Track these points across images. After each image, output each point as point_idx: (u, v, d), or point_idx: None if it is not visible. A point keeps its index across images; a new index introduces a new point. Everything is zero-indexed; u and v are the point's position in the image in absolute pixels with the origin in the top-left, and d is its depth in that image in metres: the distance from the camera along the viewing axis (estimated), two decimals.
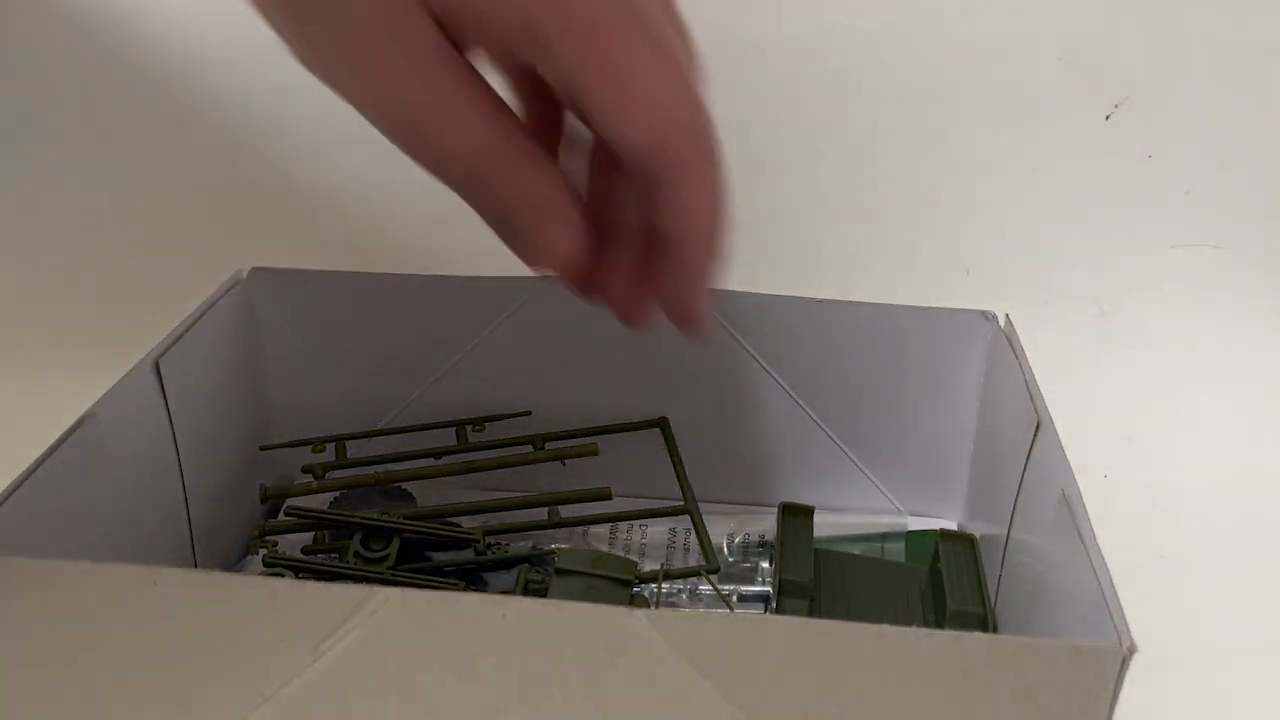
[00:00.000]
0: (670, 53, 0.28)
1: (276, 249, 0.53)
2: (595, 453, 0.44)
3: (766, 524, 0.46)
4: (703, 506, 0.44)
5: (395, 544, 0.39)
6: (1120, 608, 0.27)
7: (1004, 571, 0.41)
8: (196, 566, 0.42)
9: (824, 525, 0.45)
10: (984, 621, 0.37)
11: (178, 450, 0.41)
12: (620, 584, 0.37)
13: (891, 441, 0.48)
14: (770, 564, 0.44)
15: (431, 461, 0.45)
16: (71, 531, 0.35)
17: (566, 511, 0.43)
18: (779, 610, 0.39)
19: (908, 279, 0.63)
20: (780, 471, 0.48)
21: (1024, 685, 0.26)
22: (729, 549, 0.46)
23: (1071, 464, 0.34)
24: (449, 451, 0.45)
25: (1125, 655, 0.26)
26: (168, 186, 0.66)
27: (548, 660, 0.27)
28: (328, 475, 0.44)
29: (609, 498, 0.42)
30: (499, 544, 0.41)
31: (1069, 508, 0.33)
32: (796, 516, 0.43)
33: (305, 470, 0.45)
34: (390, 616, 0.28)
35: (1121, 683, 0.26)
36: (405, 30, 0.27)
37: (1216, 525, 0.52)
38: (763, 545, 0.46)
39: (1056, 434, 0.36)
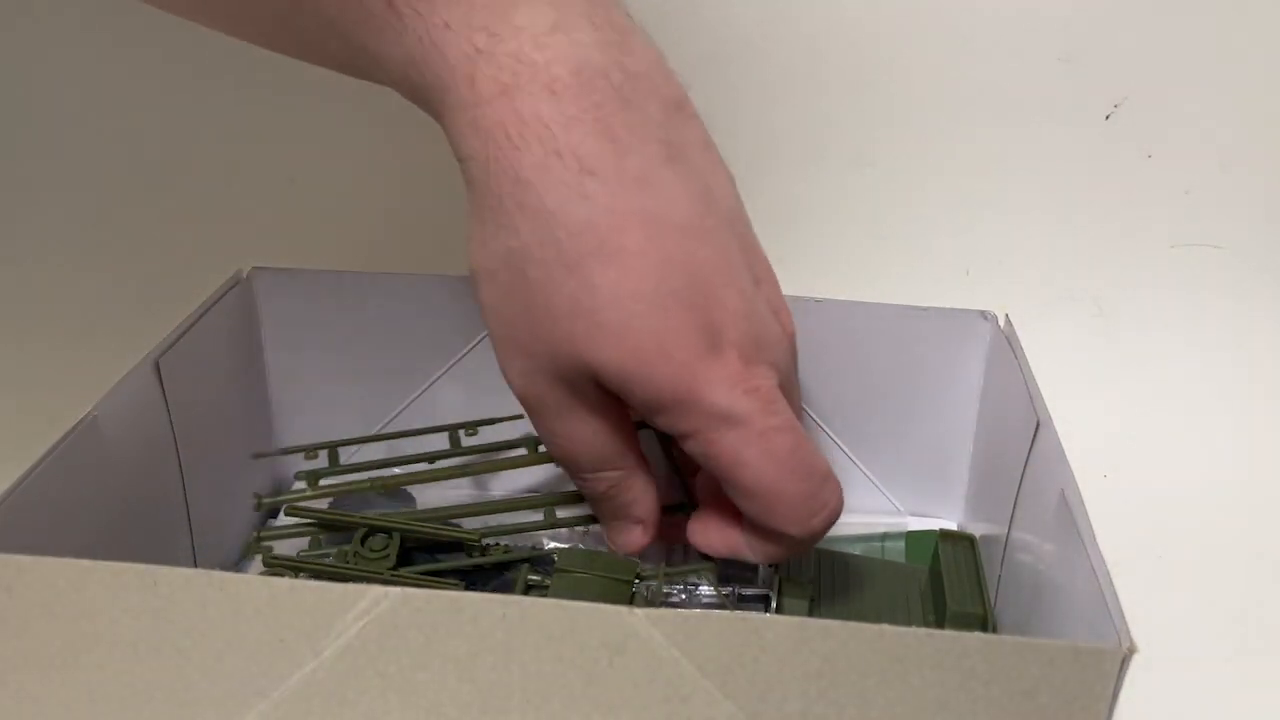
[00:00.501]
0: (793, 440, 0.33)
1: (276, 249, 0.53)
2: None
3: None
4: None
5: (395, 541, 0.39)
6: (1120, 608, 0.27)
7: (1004, 571, 0.41)
8: (196, 566, 0.42)
9: None
10: (984, 621, 0.37)
11: (178, 450, 0.41)
12: (620, 584, 0.37)
13: (891, 441, 0.48)
14: (770, 564, 0.44)
15: (426, 466, 0.45)
16: (71, 531, 0.35)
17: (565, 512, 0.43)
18: (779, 610, 0.39)
19: (908, 279, 0.63)
20: None
21: (1024, 685, 0.26)
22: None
23: (1071, 464, 0.34)
24: (443, 455, 0.45)
25: (1125, 655, 0.26)
26: (168, 186, 0.66)
27: (548, 660, 0.27)
28: (321, 482, 0.44)
29: None
30: (498, 545, 0.41)
31: (1069, 508, 0.33)
32: None
33: (299, 477, 0.45)
34: (390, 616, 0.28)
35: (1121, 683, 0.26)
36: (574, 385, 0.33)
37: (1216, 525, 0.52)
38: None
39: (1056, 434, 0.36)
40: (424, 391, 0.48)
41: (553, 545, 0.44)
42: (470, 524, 0.42)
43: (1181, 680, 0.41)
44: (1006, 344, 0.43)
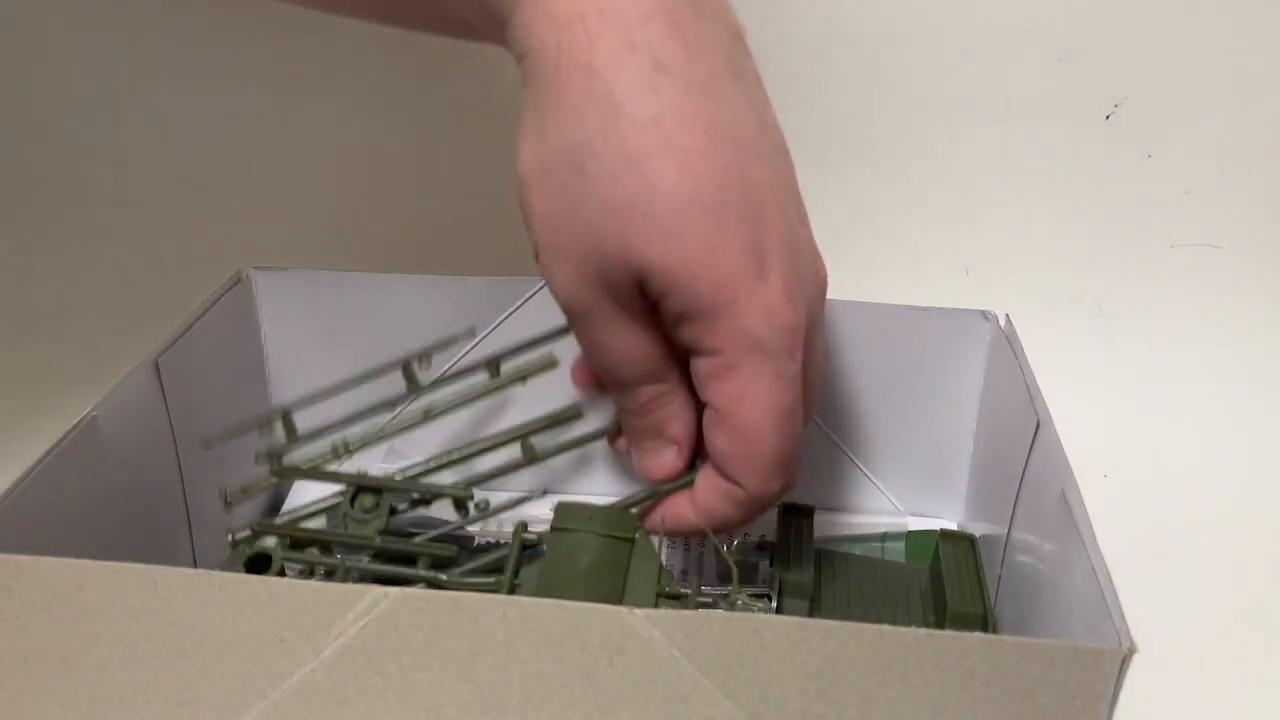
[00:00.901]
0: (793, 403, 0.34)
1: (276, 249, 0.53)
2: (555, 364, 0.41)
3: (766, 524, 0.46)
4: None
5: (385, 501, 0.39)
6: (1120, 608, 0.27)
7: (1004, 571, 0.41)
8: (196, 566, 0.42)
9: (824, 525, 0.45)
10: (984, 621, 0.37)
11: (177, 450, 0.41)
12: (621, 541, 0.36)
13: (891, 441, 0.48)
14: (770, 564, 0.44)
15: (388, 415, 0.42)
16: (71, 531, 0.35)
17: (542, 441, 0.41)
18: (779, 610, 0.38)
19: (908, 279, 0.63)
20: None
21: (1024, 685, 0.26)
22: (729, 549, 0.46)
23: (1071, 464, 0.34)
24: (401, 400, 0.42)
25: (1125, 655, 0.26)
26: (168, 186, 0.66)
27: (548, 660, 0.27)
28: (285, 458, 0.41)
29: (579, 416, 0.41)
30: (486, 503, 0.40)
31: (1069, 508, 0.33)
32: (796, 516, 0.43)
33: (258, 460, 0.42)
34: (390, 616, 0.28)
35: (1121, 683, 0.26)
36: (618, 292, 0.33)
37: (1216, 525, 0.52)
38: (763, 545, 0.46)
39: (1056, 434, 0.36)
40: (424, 391, 0.48)
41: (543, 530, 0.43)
42: (451, 478, 0.41)
43: (1181, 680, 0.41)
44: (1007, 344, 0.43)
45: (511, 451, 0.41)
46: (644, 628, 0.27)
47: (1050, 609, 0.34)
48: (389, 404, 0.42)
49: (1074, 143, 0.61)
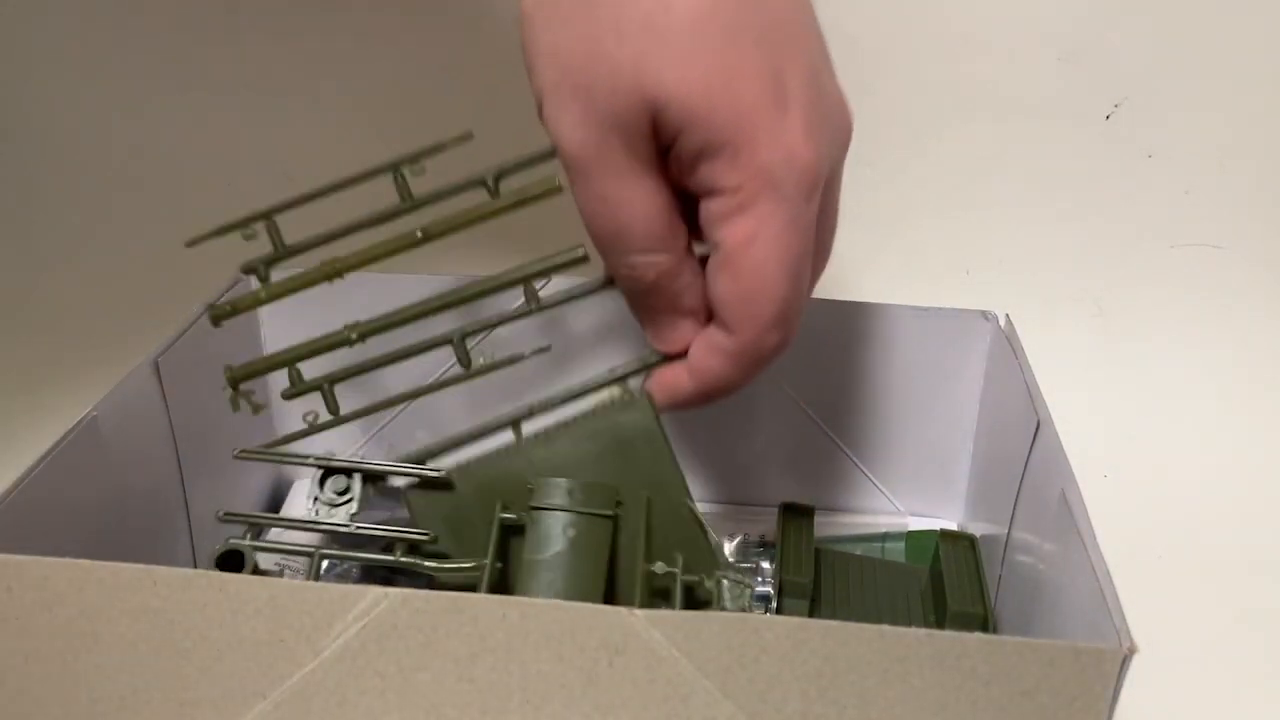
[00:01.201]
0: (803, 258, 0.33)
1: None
2: (558, 189, 0.37)
3: (767, 524, 0.46)
4: (703, 506, 0.43)
5: (357, 483, 0.37)
6: (1120, 608, 0.27)
7: (1004, 571, 0.41)
8: (196, 566, 0.42)
9: (824, 525, 0.45)
10: (984, 621, 0.37)
11: (177, 450, 0.41)
12: (602, 519, 0.34)
13: (891, 441, 0.48)
14: (771, 564, 0.44)
15: (378, 234, 0.39)
16: (71, 531, 0.35)
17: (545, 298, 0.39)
18: (779, 610, 0.38)
19: (908, 279, 0.63)
20: (781, 471, 0.48)
21: (1024, 685, 0.26)
22: (730, 549, 0.46)
23: (1071, 464, 0.34)
24: (394, 214, 0.39)
25: (1125, 655, 0.26)
26: (168, 186, 0.66)
27: (548, 660, 0.27)
28: (273, 276, 0.39)
29: (585, 260, 0.37)
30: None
31: (1069, 508, 0.33)
32: (797, 517, 0.43)
33: (246, 271, 0.40)
34: (390, 616, 0.28)
35: (1122, 683, 0.26)
36: (630, 133, 0.31)
37: (1216, 525, 0.52)
38: (763, 545, 0.46)
39: (1056, 434, 0.36)
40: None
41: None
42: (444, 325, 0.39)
43: (1181, 680, 0.41)
44: (1007, 344, 0.43)
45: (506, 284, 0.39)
46: (644, 628, 0.27)
47: (1050, 609, 0.34)
48: (381, 217, 0.39)
49: (1074, 143, 0.61)
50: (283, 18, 0.61)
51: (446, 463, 0.38)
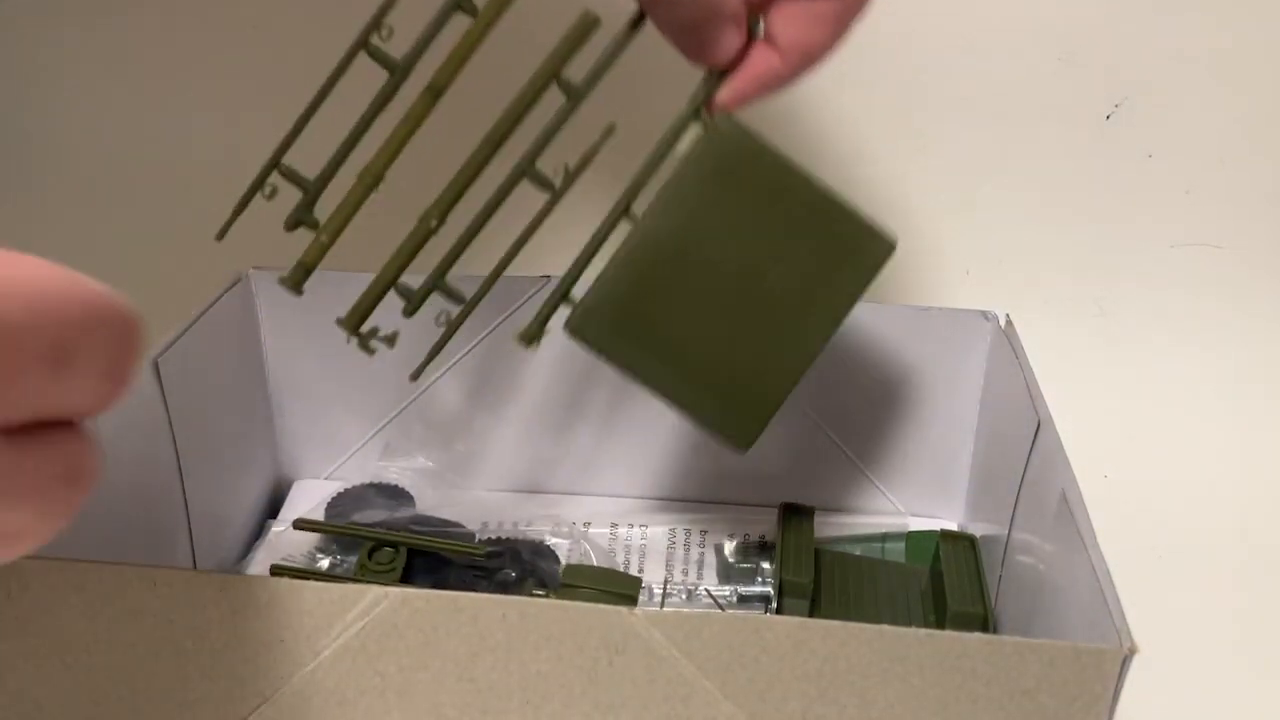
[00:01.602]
0: None
1: (276, 249, 0.53)
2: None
3: (767, 524, 0.46)
4: (703, 506, 0.44)
5: (402, 555, 0.40)
6: (1120, 608, 0.27)
7: (1004, 571, 0.41)
8: (196, 567, 0.42)
9: (824, 525, 0.45)
10: (984, 621, 0.37)
11: (177, 450, 0.41)
12: (624, 599, 0.37)
13: (892, 441, 0.48)
14: (771, 564, 0.44)
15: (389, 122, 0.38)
16: (71, 531, 0.35)
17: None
18: (779, 610, 0.38)
19: (908, 279, 0.63)
20: (781, 471, 0.48)
21: (1024, 685, 0.26)
22: (730, 549, 0.46)
23: (1071, 464, 0.34)
24: (390, 89, 0.38)
25: (1125, 655, 0.26)
26: (168, 187, 0.66)
27: (548, 660, 0.27)
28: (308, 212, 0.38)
29: (597, 25, 0.35)
30: (499, 549, 0.41)
31: (1069, 508, 0.33)
32: (797, 517, 0.43)
33: (291, 227, 0.39)
34: (390, 616, 0.28)
35: (1122, 683, 0.26)
36: None
37: (1216, 525, 0.52)
38: (763, 545, 0.46)
39: (1057, 434, 0.36)
40: (424, 392, 0.48)
41: (554, 540, 0.44)
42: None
43: (1181, 680, 0.41)
44: (1007, 344, 0.43)
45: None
46: (644, 628, 0.27)
47: (1051, 609, 0.34)
48: (381, 99, 0.39)
49: (1074, 143, 0.61)
50: (284, 17, 0.61)
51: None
